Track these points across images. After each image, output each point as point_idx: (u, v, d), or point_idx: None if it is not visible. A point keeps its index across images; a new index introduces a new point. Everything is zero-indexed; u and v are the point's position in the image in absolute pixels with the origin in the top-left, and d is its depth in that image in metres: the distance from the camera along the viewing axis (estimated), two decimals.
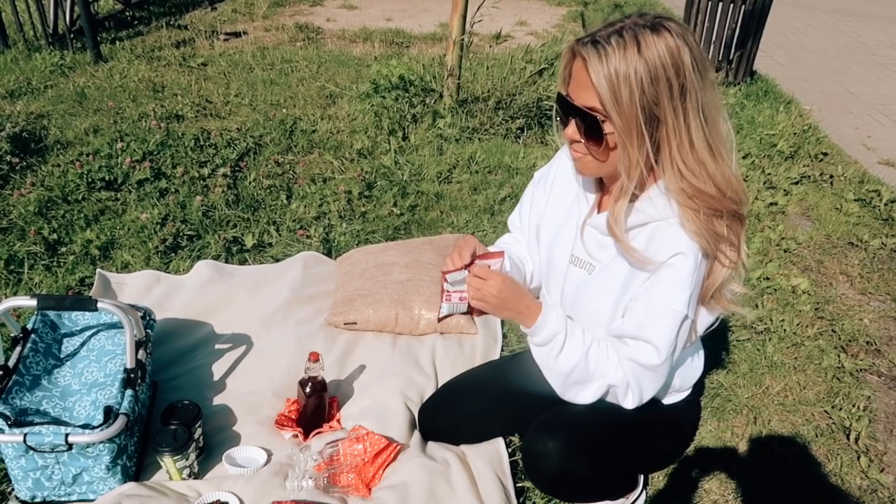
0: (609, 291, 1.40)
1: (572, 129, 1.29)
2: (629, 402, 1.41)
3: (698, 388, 1.64)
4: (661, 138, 1.23)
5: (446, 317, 1.48)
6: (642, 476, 1.78)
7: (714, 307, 1.37)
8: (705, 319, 1.39)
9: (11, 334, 1.79)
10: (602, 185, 1.46)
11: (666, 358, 1.33)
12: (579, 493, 1.56)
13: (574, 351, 1.40)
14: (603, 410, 1.48)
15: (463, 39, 3.82)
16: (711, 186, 1.24)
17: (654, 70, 1.17)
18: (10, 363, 1.70)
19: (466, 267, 1.40)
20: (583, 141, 1.29)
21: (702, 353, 1.61)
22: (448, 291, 1.41)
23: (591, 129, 1.25)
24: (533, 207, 1.62)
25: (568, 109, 1.29)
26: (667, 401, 1.58)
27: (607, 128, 1.23)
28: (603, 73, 1.18)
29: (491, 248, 1.56)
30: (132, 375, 1.71)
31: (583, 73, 1.22)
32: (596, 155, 1.30)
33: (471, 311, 1.46)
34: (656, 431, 1.54)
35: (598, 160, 1.31)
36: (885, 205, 3.52)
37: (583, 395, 1.44)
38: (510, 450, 1.87)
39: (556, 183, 1.56)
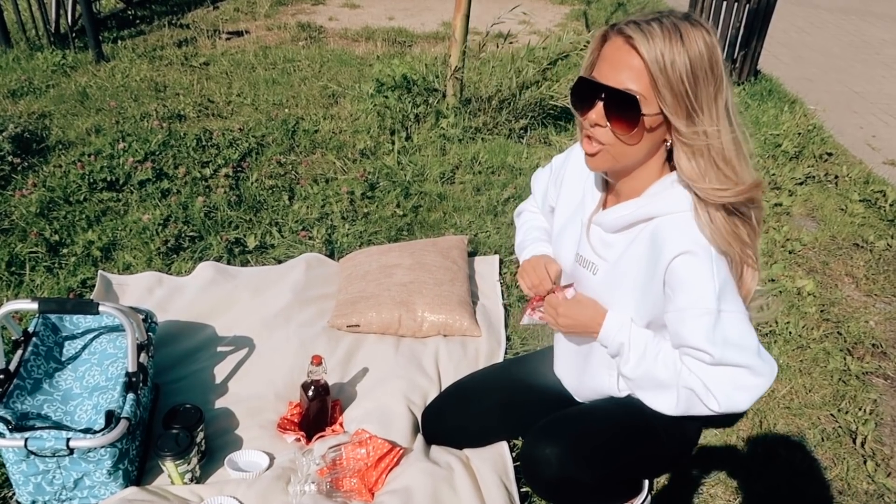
0: (619, 291, 1.39)
1: (598, 112, 1.26)
2: (715, 405, 1.34)
3: None
4: (697, 120, 1.22)
5: (527, 325, 1.70)
6: (647, 481, 1.76)
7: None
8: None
9: (12, 337, 1.78)
10: (608, 184, 1.45)
11: (721, 356, 1.28)
12: (579, 499, 1.54)
13: (641, 359, 1.39)
14: (605, 415, 1.46)
15: (466, 38, 3.80)
16: (735, 186, 1.23)
17: (695, 61, 1.17)
18: (11, 367, 1.69)
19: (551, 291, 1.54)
20: (608, 125, 1.26)
21: None
22: (532, 311, 1.60)
23: (626, 109, 1.23)
24: (547, 195, 1.65)
25: (595, 91, 1.25)
26: None
27: (645, 108, 1.21)
28: (653, 51, 1.17)
29: (537, 243, 1.69)
30: (134, 379, 1.70)
31: (620, 54, 1.21)
32: (625, 139, 1.26)
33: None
34: (659, 436, 1.52)
35: (625, 144, 1.27)
36: (891, 205, 3.50)
37: (664, 404, 1.40)
38: (514, 454, 1.86)
39: (567, 180, 1.56)
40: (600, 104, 1.25)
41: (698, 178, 1.24)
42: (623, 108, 1.23)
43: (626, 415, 1.43)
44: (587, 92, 1.27)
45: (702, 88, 1.19)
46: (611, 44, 1.23)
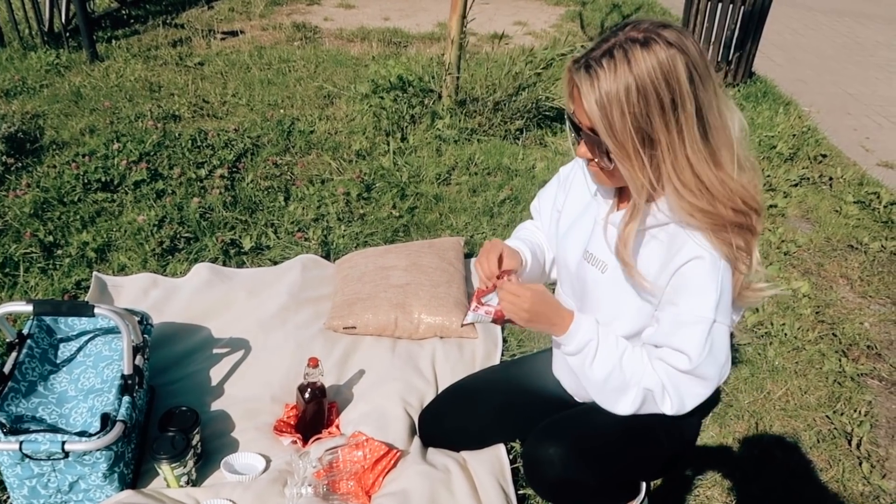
0: (625, 290, 1.39)
1: (583, 148, 1.30)
2: (668, 408, 1.38)
3: None
4: (658, 157, 1.22)
5: (469, 324, 1.52)
6: (644, 483, 1.77)
7: (746, 303, 1.36)
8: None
9: (7, 339, 1.77)
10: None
11: (699, 363, 1.30)
12: (580, 499, 1.55)
13: (608, 358, 1.40)
14: (605, 417, 1.46)
15: (462, 39, 3.80)
16: (709, 203, 1.22)
17: (644, 88, 1.16)
18: (6, 369, 1.68)
19: (496, 285, 1.45)
20: (595, 159, 1.30)
21: None
22: (480, 302, 1.47)
23: (597, 144, 1.25)
24: (555, 202, 1.65)
25: (576, 128, 1.29)
26: None
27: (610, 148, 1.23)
28: (595, 99, 1.18)
29: (511, 240, 1.62)
30: (129, 382, 1.69)
31: (578, 94, 1.23)
32: (605, 173, 1.31)
33: (496, 321, 1.49)
34: (658, 437, 1.53)
35: (607, 177, 1.32)
36: (885, 207, 3.52)
37: (622, 405, 1.41)
38: (511, 456, 1.86)
39: (576, 181, 1.57)
40: (582, 141, 1.29)
41: (672, 200, 1.25)
42: (595, 143, 1.25)
43: (627, 416, 1.43)
44: (573, 126, 1.30)
45: (654, 112, 1.17)
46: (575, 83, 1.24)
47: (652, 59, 1.16)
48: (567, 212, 1.58)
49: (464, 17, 3.76)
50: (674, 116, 1.18)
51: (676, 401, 1.37)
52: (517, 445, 1.92)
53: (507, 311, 1.42)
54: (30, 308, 1.60)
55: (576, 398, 1.67)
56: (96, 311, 1.62)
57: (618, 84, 1.16)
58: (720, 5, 4.99)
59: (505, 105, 3.97)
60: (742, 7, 4.92)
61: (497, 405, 1.80)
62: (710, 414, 2.12)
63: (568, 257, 1.54)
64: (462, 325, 1.54)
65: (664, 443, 1.54)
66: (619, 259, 1.33)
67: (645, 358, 1.39)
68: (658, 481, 1.88)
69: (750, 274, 1.30)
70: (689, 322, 1.29)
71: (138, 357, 1.76)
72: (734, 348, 2.42)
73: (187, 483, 1.72)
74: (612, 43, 1.19)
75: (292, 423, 1.92)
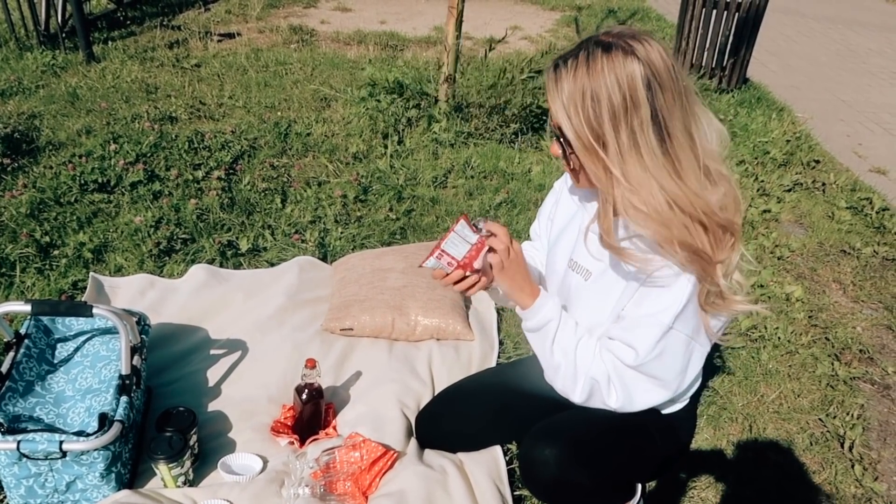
0: (606, 298, 1.41)
1: (555, 146, 1.34)
2: (613, 401, 1.40)
3: (695, 396, 1.65)
4: (607, 161, 1.24)
5: (428, 268, 1.45)
6: (639, 484, 1.78)
7: (716, 311, 1.35)
8: (712, 324, 1.38)
9: (4, 339, 1.77)
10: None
11: (645, 361, 1.33)
12: (575, 500, 1.55)
13: (567, 342, 1.42)
14: (600, 418, 1.48)
15: (458, 43, 3.81)
16: (659, 214, 1.22)
17: (597, 91, 1.19)
18: (3, 369, 1.68)
19: (479, 236, 1.39)
20: (563, 157, 1.34)
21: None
22: (443, 251, 1.39)
23: (565, 143, 1.29)
24: (549, 213, 1.68)
25: (552, 126, 1.33)
26: (665, 410, 1.58)
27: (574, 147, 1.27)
28: (556, 97, 1.24)
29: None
30: (127, 382, 1.69)
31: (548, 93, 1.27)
32: (574, 174, 1.36)
33: (463, 269, 1.41)
34: (653, 439, 1.55)
35: (578, 178, 1.36)
36: (877, 213, 3.55)
37: (575, 392, 1.43)
38: (507, 457, 1.87)
39: (566, 191, 1.60)
40: (555, 139, 1.33)
41: (620, 205, 1.26)
42: (561, 141, 1.29)
43: (622, 417, 1.45)
44: (552, 124, 1.34)
45: (605, 115, 1.20)
46: None
47: (609, 64, 1.19)
48: (557, 221, 1.61)
49: (460, 21, 3.77)
50: (625, 122, 1.20)
51: (622, 395, 1.39)
52: (513, 447, 1.93)
53: (494, 259, 1.38)
54: (28, 308, 1.60)
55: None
56: (94, 311, 1.62)
57: (575, 85, 1.21)
58: (714, 12, 5.03)
59: (501, 109, 3.99)
60: (736, 13, 4.96)
61: (493, 408, 1.81)
62: (704, 416, 2.14)
63: (556, 265, 1.56)
64: (419, 266, 1.48)
65: (659, 444, 1.56)
66: (607, 247, 1.33)
67: (596, 348, 1.41)
68: (653, 483, 1.89)
69: (718, 287, 1.28)
70: (646, 323, 1.31)
71: (136, 357, 1.76)
72: (727, 351, 2.44)
73: (184, 483, 1.72)
74: (580, 46, 1.24)
75: (289, 423, 1.92)
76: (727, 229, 1.25)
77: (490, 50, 4.12)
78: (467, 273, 1.42)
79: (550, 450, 1.42)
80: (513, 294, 1.44)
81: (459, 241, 1.39)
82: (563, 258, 1.53)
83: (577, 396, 1.44)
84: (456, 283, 1.44)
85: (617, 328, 1.37)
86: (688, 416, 1.63)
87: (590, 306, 1.44)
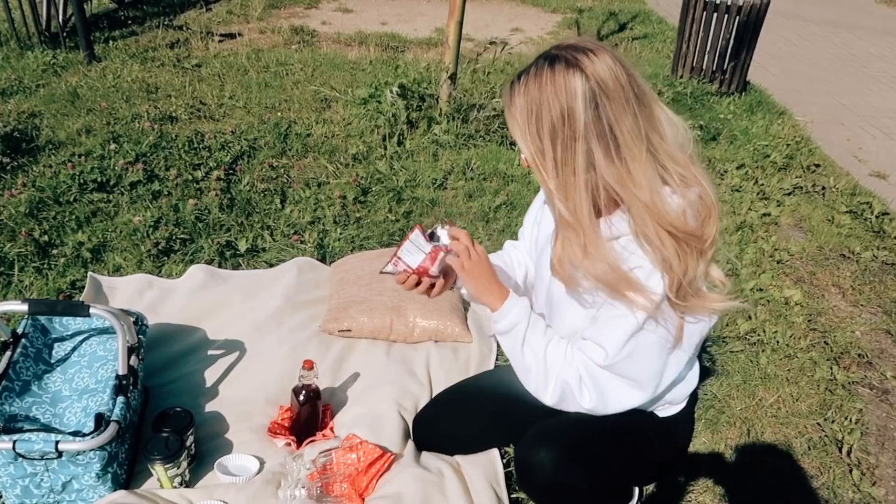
0: (583, 307, 1.40)
1: (523, 158, 1.34)
2: (586, 401, 1.39)
3: (692, 399, 1.64)
4: (546, 175, 1.26)
5: (388, 273, 1.49)
6: (636, 488, 1.78)
7: (692, 312, 1.32)
8: (696, 328, 1.37)
9: (1, 339, 1.77)
10: None
11: (615, 361, 1.32)
12: (573, 502, 1.55)
13: (536, 343, 1.42)
14: (597, 420, 1.47)
15: (459, 44, 3.82)
16: (579, 241, 1.26)
17: (540, 105, 1.22)
18: (0, 368, 1.67)
19: (433, 245, 1.44)
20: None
21: (697, 365, 1.61)
22: (399, 258, 1.44)
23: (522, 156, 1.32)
24: (535, 217, 1.67)
25: None
26: (662, 413, 1.57)
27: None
28: (510, 111, 1.27)
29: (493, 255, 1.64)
30: (124, 382, 1.69)
31: None
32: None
33: (418, 276, 1.46)
34: (650, 442, 1.54)
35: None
36: (877, 217, 3.55)
37: (546, 393, 1.42)
38: (504, 460, 1.87)
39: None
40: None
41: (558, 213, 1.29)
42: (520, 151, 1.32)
43: (618, 420, 1.44)
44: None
45: (545, 130, 1.22)
46: None
47: (551, 78, 1.21)
48: (544, 227, 1.60)
49: (461, 23, 3.77)
50: (562, 136, 1.22)
51: (595, 396, 1.38)
52: (510, 450, 1.92)
53: (454, 261, 1.41)
54: (25, 307, 1.60)
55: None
56: (91, 311, 1.62)
57: (523, 100, 1.24)
58: (715, 15, 5.03)
59: (502, 111, 3.98)
60: (737, 17, 4.96)
61: (490, 411, 1.80)
62: (702, 420, 2.13)
63: (542, 272, 1.55)
64: (379, 273, 1.51)
65: (656, 447, 1.55)
66: (556, 276, 1.36)
67: (567, 349, 1.40)
68: (650, 487, 1.89)
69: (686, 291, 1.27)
70: (616, 324, 1.30)
71: (133, 358, 1.76)
72: (726, 355, 2.43)
73: (181, 484, 1.72)
74: (535, 60, 1.27)
75: (286, 425, 1.92)
76: (693, 235, 1.24)
77: (501, 51, 4.12)
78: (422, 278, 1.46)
79: (546, 452, 1.41)
80: (479, 297, 1.45)
81: (414, 249, 1.43)
82: (548, 265, 1.52)
83: (548, 398, 1.42)
84: (415, 286, 1.47)
85: (590, 328, 1.37)
86: (685, 419, 1.63)
87: (571, 313, 1.44)
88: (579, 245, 1.28)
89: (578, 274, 1.32)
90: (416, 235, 1.43)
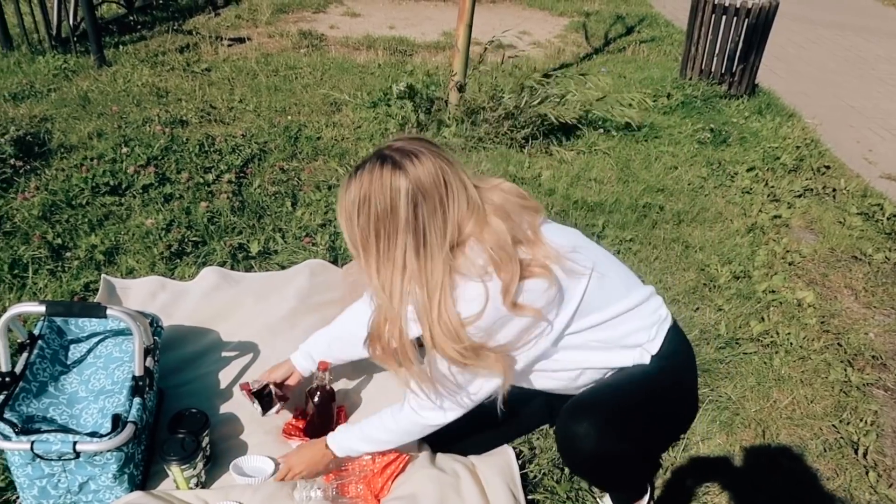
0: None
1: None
2: (433, 419, 1.58)
3: (672, 334, 1.64)
4: (367, 264, 1.41)
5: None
6: (649, 486, 1.78)
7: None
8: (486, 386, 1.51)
9: (18, 340, 1.78)
10: None
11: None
12: (617, 470, 1.58)
13: (371, 442, 1.67)
14: (621, 385, 1.56)
15: (468, 47, 3.82)
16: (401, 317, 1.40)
17: (366, 200, 1.35)
18: (17, 369, 1.68)
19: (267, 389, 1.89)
20: None
21: (639, 294, 1.62)
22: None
23: None
24: None
25: None
26: (644, 359, 1.60)
27: None
28: (341, 202, 1.42)
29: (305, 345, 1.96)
30: (140, 383, 1.69)
31: None
32: None
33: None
34: (672, 393, 1.62)
35: None
36: (888, 219, 3.53)
37: (423, 431, 1.64)
38: (520, 461, 1.86)
39: None
40: None
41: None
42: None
43: (641, 381, 1.54)
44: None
45: (370, 228, 1.36)
46: None
47: (379, 176, 1.34)
48: None
49: (471, 26, 3.78)
50: (384, 230, 1.36)
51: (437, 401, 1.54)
52: (526, 449, 1.92)
53: (279, 478, 1.73)
54: (42, 309, 1.60)
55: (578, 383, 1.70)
56: (108, 312, 1.62)
57: (354, 193, 1.38)
58: (724, 18, 5.03)
59: (511, 114, 3.99)
60: (746, 20, 4.95)
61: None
62: (717, 422, 2.13)
63: None
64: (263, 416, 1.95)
65: (678, 397, 1.65)
66: (374, 360, 1.55)
67: (384, 417, 1.64)
68: (663, 488, 1.88)
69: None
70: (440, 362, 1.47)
71: (148, 359, 1.76)
72: (739, 356, 2.43)
73: (196, 485, 1.72)
74: (370, 156, 1.40)
75: (301, 426, 1.92)
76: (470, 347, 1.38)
77: (503, 62, 4.13)
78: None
79: (587, 422, 1.47)
80: (317, 466, 1.74)
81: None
82: None
83: (424, 433, 1.64)
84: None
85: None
86: (675, 353, 1.63)
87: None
88: (393, 325, 1.42)
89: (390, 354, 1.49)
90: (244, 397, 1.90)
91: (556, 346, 1.53)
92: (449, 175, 1.36)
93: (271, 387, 1.89)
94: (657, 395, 1.58)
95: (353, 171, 1.39)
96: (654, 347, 1.58)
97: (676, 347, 1.63)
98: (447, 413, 1.56)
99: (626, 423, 1.51)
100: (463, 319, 1.36)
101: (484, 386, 1.51)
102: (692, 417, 1.79)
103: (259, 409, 1.88)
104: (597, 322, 1.52)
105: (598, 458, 1.49)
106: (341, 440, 1.70)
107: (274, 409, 1.90)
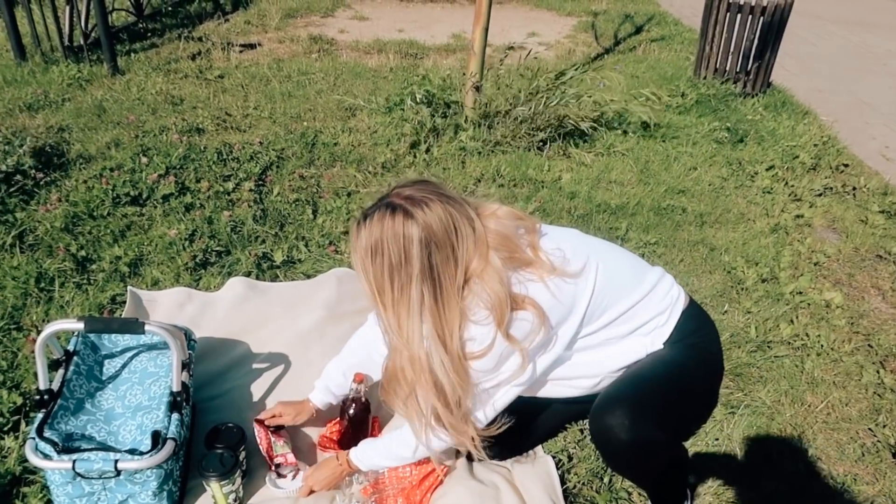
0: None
1: None
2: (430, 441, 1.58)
3: (690, 310, 1.71)
4: (383, 309, 1.47)
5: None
6: (689, 494, 1.77)
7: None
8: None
9: (53, 357, 1.77)
10: None
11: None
12: (654, 460, 1.58)
13: (385, 459, 1.68)
14: (646, 373, 1.60)
15: (484, 50, 3.81)
16: (419, 359, 1.46)
17: (380, 247, 1.39)
18: (54, 386, 1.67)
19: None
20: None
21: (651, 276, 1.68)
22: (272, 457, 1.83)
23: None
24: None
25: None
26: (660, 341, 1.65)
27: None
28: (355, 249, 1.45)
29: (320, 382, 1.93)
30: (178, 399, 1.68)
31: None
32: None
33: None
34: (698, 372, 1.67)
35: None
36: None
37: (423, 453, 1.64)
38: (560, 472, 1.85)
39: None
40: None
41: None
42: None
43: (665, 366, 1.60)
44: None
45: (385, 275, 1.41)
46: None
47: (391, 224, 1.38)
48: None
49: (487, 29, 3.76)
50: (398, 277, 1.41)
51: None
52: (565, 458, 1.91)
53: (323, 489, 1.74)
54: (81, 326, 1.59)
55: (597, 390, 1.71)
56: (147, 328, 1.61)
57: (367, 240, 1.41)
58: (739, 16, 5.00)
59: (528, 117, 3.97)
60: (761, 18, 4.92)
61: (532, 415, 1.87)
62: (754, 428, 2.11)
63: None
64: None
65: (702, 376, 1.70)
66: (385, 404, 1.67)
67: (406, 433, 1.62)
68: (702, 496, 1.87)
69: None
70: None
71: (184, 373, 1.75)
72: (771, 360, 2.41)
73: (235, 500, 1.71)
74: (378, 203, 1.44)
75: (335, 438, 1.91)
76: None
77: (524, 59, 4.11)
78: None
79: (620, 413, 1.49)
80: (338, 479, 1.73)
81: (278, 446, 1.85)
82: None
83: (433, 448, 1.62)
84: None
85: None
86: (694, 327, 1.69)
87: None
88: (414, 365, 1.47)
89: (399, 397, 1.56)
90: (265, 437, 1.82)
91: (570, 349, 1.59)
92: (457, 219, 1.41)
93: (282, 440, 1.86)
94: (683, 376, 1.62)
95: (363, 218, 1.43)
96: (666, 332, 1.64)
97: (694, 325, 1.68)
98: (468, 428, 1.58)
99: (656, 407, 1.54)
100: (467, 353, 1.47)
101: (508, 393, 1.57)
102: (718, 388, 1.84)
103: (275, 477, 1.79)
104: (613, 318, 1.59)
105: (635, 447, 1.50)
106: (363, 455, 1.69)
107: (290, 479, 1.80)
